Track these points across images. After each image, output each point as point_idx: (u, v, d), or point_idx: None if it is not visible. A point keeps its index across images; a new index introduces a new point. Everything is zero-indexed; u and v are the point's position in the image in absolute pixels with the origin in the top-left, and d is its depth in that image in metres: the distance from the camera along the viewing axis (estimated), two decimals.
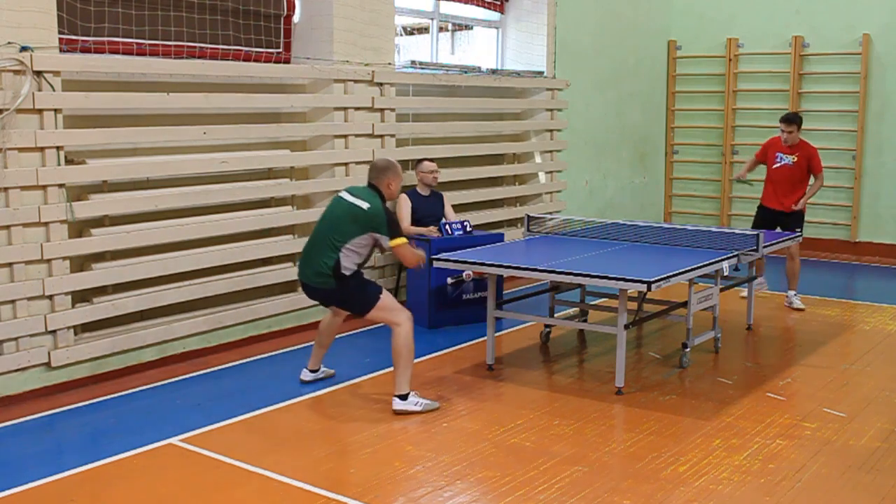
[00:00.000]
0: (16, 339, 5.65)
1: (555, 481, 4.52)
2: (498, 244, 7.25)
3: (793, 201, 8.22)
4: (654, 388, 6.02)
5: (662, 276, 5.58)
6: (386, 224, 5.42)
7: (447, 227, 7.68)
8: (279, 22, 7.52)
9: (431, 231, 7.67)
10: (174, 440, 5.05)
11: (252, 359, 6.68)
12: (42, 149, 5.65)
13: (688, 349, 6.44)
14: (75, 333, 6.00)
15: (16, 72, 5.49)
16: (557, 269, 5.90)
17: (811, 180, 8.35)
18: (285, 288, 7.33)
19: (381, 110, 7.94)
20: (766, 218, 8.33)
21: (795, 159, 8.25)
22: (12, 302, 5.59)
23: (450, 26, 10.04)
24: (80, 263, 6.12)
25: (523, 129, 9.86)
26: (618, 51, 11.29)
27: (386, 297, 5.54)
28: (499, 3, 9.95)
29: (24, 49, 5.52)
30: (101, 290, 6.19)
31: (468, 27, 10.24)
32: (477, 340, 7.07)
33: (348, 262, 5.43)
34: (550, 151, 10.05)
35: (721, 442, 5.06)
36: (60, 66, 5.74)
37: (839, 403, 5.72)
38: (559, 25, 10.12)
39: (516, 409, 5.59)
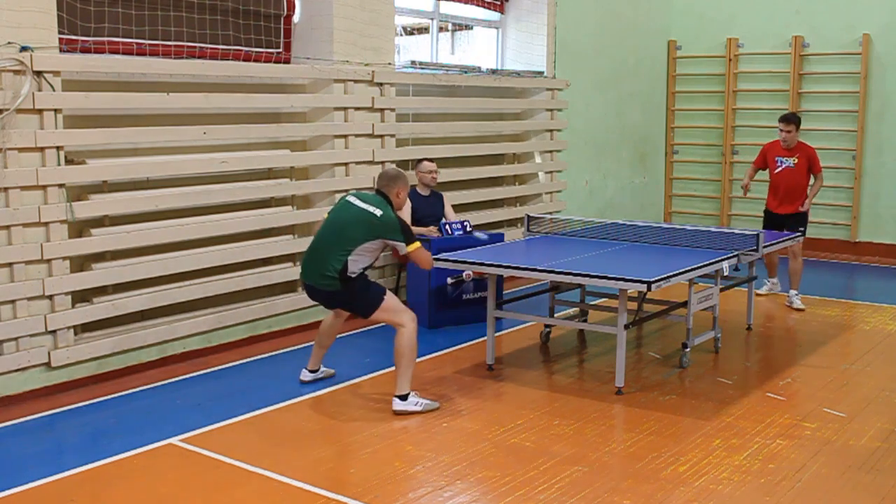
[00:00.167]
0: (16, 339, 5.65)
1: (555, 481, 4.52)
2: (498, 244, 7.26)
3: (799, 202, 8.28)
4: (654, 388, 6.02)
5: (662, 276, 5.58)
6: (400, 231, 5.44)
7: (447, 227, 7.68)
8: (279, 22, 7.52)
9: (431, 231, 7.67)
10: (174, 440, 5.05)
11: (252, 359, 6.68)
12: (42, 149, 5.65)
13: (688, 349, 6.44)
14: (75, 333, 6.00)
15: (16, 72, 5.49)
16: (557, 269, 5.90)
17: (811, 180, 8.39)
18: (286, 288, 7.33)
19: (381, 110, 7.94)
20: (774, 221, 8.38)
21: (797, 161, 8.29)
22: (12, 302, 5.59)
23: (450, 26, 10.04)
24: (81, 263, 6.12)
25: (523, 129, 9.86)
26: (618, 51, 11.29)
27: (390, 299, 5.55)
28: (499, 3, 9.95)
29: (24, 49, 5.52)
30: (102, 290, 6.19)
31: (468, 27, 10.24)
32: (477, 340, 7.07)
33: (356, 266, 5.45)
34: (550, 151, 10.05)
35: (721, 442, 5.06)
36: (60, 66, 5.74)
37: (839, 403, 5.72)
38: (559, 25, 10.12)
39: (516, 409, 5.59)
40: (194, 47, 6.86)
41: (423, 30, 9.52)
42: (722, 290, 6.85)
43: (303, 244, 5.75)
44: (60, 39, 5.89)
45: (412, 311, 5.56)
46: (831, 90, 11.24)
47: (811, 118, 11.00)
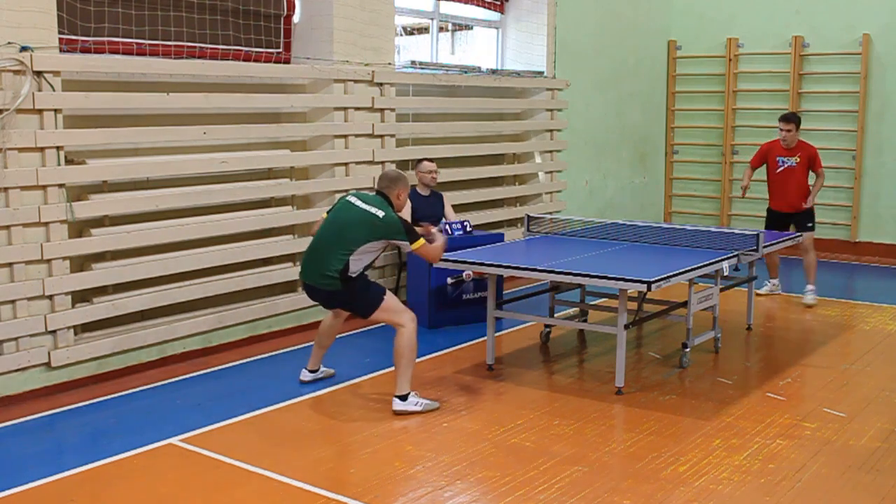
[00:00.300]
0: (16, 339, 5.65)
1: (555, 481, 4.52)
2: (498, 244, 7.25)
3: (803, 200, 8.34)
4: (654, 388, 6.02)
5: (662, 276, 5.58)
6: (403, 231, 5.47)
7: (447, 227, 7.68)
8: (279, 22, 7.52)
9: (427, 229, 7.64)
10: (174, 440, 5.05)
11: (252, 359, 6.68)
12: (42, 149, 5.65)
13: (688, 349, 6.44)
14: (75, 333, 6.00)
15: (16, 72, 5.49)
16: (557, 269, 5.90)
17: (811, 179, 8.44)
18: (285, 288, 7.33)
19: (381, 110, 7.94)
20: (778, 220, 8.42)
21: (798, 160, 8.33)
22: (12, 302, 5.59)
23: (450, 26, 10.04)
24: (81, 263, 6.12)
25: (523, 129, 9.86)
26: (618, 51, 11.29)
27: (390, 299, 5.55)
28: (499, 3, 9.95)
29: (24, 49, 5.52)
30: (102, 290, 6.19)
31: (468, 27, 10.24)
32: (477, 340, 7.07)
33: (356, 266, 5.45)
34: (550, 151, 10.05)
35: (721, 442, 5.06)
36: (60, 66, 5.74)
37: (839, 403, 5.72)
38: (559, 25, 10.12)
39: (516, 409, 5.59)
40: (194, 47, 6.86)
41: (423, 30, 9.52)
42: (722, 290, 6.85)
43: (303, 244, 5.75)
44: (60, 39, 5.89)
45: (412, 311, 5.56)
46: (831, 90, 11.23)
47: (811, 118, 11.00)
